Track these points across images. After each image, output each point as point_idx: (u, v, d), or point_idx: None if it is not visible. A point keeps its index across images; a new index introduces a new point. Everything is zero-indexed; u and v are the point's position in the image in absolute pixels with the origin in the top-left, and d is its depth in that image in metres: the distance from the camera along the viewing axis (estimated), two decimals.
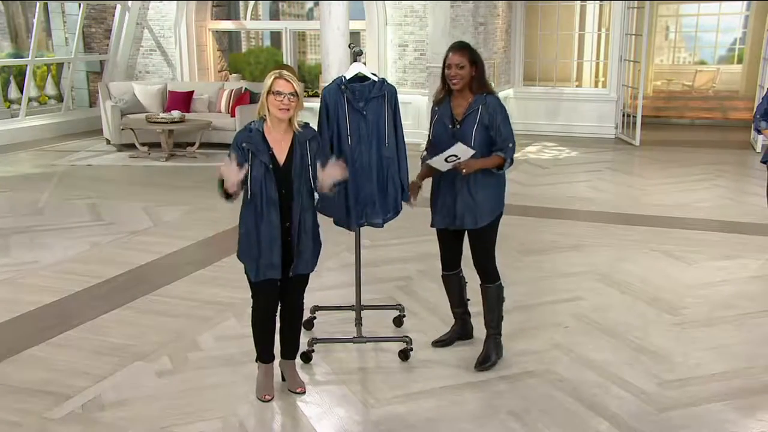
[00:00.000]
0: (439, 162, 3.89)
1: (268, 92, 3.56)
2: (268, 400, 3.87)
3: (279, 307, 3.91)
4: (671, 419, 3.68)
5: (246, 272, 3.79)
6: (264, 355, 3.94)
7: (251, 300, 3.87)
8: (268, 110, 3.59)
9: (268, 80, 3.57)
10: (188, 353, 4.41)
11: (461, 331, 4.48)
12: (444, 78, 3.99)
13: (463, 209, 4.00)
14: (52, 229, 7.11)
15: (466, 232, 4.16)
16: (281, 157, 3.64)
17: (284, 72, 3.59)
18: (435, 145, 4.02)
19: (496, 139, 3.95)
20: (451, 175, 3.95)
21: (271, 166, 3.61)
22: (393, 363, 4.29)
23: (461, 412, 3.76)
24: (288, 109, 3.56)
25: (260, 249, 3.66)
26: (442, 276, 4.37)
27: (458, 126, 3.96)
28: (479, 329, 4.37)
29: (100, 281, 5.62)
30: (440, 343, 4.46)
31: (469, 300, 4.45)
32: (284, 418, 3.75)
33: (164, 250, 6.37)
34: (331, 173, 3.62)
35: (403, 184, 4.19)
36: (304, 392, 3.95)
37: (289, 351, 4.04)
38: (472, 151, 3.83)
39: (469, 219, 4.02)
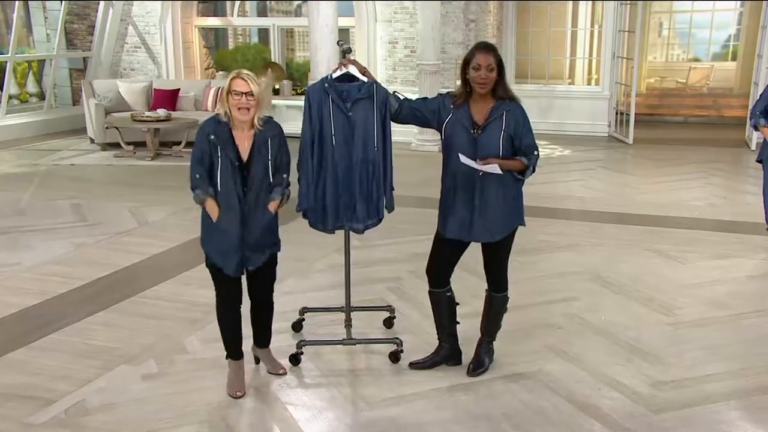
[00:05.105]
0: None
1: (228, 92, 3.62)
2: (240, 397, 3.88)
3: (252, 303, 4.01)
4: (665, 421, 3.65)
5: (208, 265, 3.84)
6: (233, 352, 3.97)
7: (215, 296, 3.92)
8: (230, 110, 3.65)
9: (227, 80, 3.65)
10: (175, 356, 4.36)
11: (447, 355, 4.20)
12: (465, 79, 3.79)
13: (481, 223, 3.83)
14: (35, 230, 7.02)
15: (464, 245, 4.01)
16: (245, 155, 3.70)
17: (243, 72, 3.67)
18: (451, 153, 3.82)
19: (521, 146, 3.77)
20: (470, 188, 3.80)
21: (237, 163, 3.67)
22: (383, 365, 4.24)
23: (453, 414, 3.72)
24: (247, 109, 3.61)
25: (224, 242, 3.75)
26: (429, 293, 4.14)
27: (480, 132, 3.76)
28: (465, 330, 4.26)
29: (84, 283, 5.55)
30: (420, 365, 4.19)
31: (458, 323, 4.21)
32: (273, 421, 3.70)
33: (150, 251, 6.29)
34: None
35: (386, 190, 4.09)
36: (286, 373, 4.04)
37: (262, 340, 4.10)
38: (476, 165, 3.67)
39: (486, 233, 3.87)
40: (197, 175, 3.69)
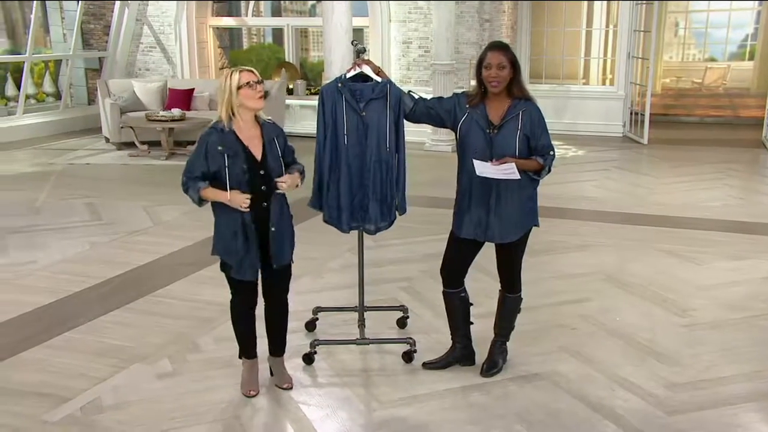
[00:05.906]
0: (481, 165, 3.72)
1: (238, 87, 3.54)
2: (253, 396, 3.88)
3: (267, 304, 3.95)
4: (679, 423, 3.61)
5: (223, 269, 3.80)
6: (246, 351, 3.96)
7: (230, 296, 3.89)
8: (240, 107, 3.57)
9: (234, 76, 3.55)
10: (188, 355, 4.36)
11: (461, 355, 4.18)
12: (479, 79, 3.77)
13: (497, 223, 3.82)
14: (50, 229, 7.04)
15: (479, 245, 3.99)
16: (257, 154, 3.65)
17: (242, 66, 3.65)
18: (466, 153, 3.81)
19: (537, 146, 3.76)
20: (486, 188, 3.78)
21: (251, 164, 3.62)
22: (396, 365, 4.23)
23: (466, 414, 3.70)
24: (263, 97, 3.59)
25: (246, 248, 3.68)
26: (443, 293, 4.12)
27: (496, 131, 3.74)
28: (478, 330, 4.25)
29: (98, 282, 5.56)
30: (433, 365, 4.18)
31: (472, 323, 4.20)
32: (286, 421, 3.70)
33: (164, 250, 6.30)
34: (286, 180, 3.66)
35: (399, 192, 4.08)
36: (291, 387, 3.96)
37: (276, 348, 4.04)
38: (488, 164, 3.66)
39: (501, 234, 3.85)
40: (187, 181, 3.72)
